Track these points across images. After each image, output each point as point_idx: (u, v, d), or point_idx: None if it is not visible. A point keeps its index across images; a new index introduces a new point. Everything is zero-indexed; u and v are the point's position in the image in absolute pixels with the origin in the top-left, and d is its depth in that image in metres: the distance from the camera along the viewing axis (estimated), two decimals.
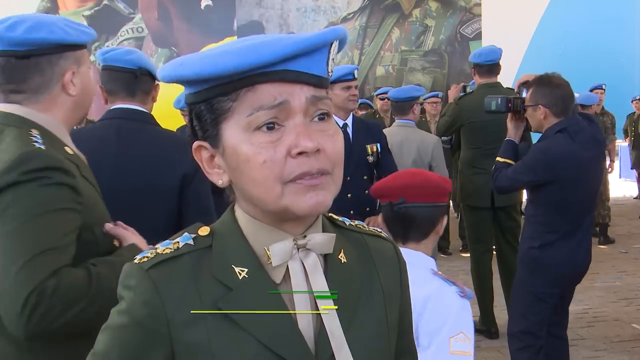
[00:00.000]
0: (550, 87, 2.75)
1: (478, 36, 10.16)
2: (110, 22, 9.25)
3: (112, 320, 0.81)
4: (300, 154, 0.75)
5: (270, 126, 0.75)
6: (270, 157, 0.74)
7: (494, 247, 4.25)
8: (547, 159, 2.72)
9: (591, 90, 6.78)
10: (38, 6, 9.11)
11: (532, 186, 2.85)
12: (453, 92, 4.90)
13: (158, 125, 2.07)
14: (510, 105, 2.96)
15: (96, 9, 9.21)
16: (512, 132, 3.01)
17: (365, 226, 0.96)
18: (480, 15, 10.14)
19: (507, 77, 4.16)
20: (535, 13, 9.05)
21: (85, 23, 9.44)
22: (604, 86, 6.83)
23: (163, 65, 0.81)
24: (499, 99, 3.00)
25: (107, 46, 8.77)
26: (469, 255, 5.87)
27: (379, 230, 0.98)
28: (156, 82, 2.07)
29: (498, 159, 2.97)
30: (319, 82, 0.77)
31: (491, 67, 4.04)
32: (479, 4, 10.14)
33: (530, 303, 2.87)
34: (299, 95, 0.75)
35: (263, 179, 0.75)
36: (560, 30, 8.85)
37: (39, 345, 1.27)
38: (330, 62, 0.78)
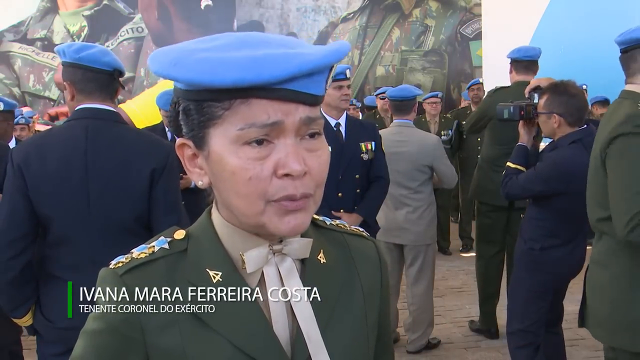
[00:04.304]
0: (566, 96, 2.73)
1: (478, 36, 10.16)
2: (110, 22, 9.25)
3: (88, 326, 0.81)
4: (286, 175, 0.73)
5: (260, 141, 0.73)
6: (256, 174, 0.73)
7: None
8: (561, 172, 2.70)
9: None
10: (38, 6, 9.11)
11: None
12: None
13: (125, 123, 2.10)
14: (522, 113, 2.94)
15: (96, 9, 9.21)
16: (525, 137, 2.98)
17: (346, 225, 0.95)
18: (480, 15, 10.15)
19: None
20: (535, 13, 9.03)
21: (85, 23, 9.49)
22: (584, 86, 6.81)
23: (154, 55, 0.76)
24: (511, 108, 2.99)
25: (107, 46, 8.77)
26: (469, 255, 5.85)
27: (360, 229, 0.97)
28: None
29: (509, 164, 2.95)
30: (315, 101, 0.74)
31: (529, 63, 3.91)
32: (479, 4, 10.15)
33: (529, 301, 2.89)
34: (294, 115, 0.73)
35: (246, 194, 0.74)
36: (561, 29, 8.84)
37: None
38: (329, 80, 0.77)
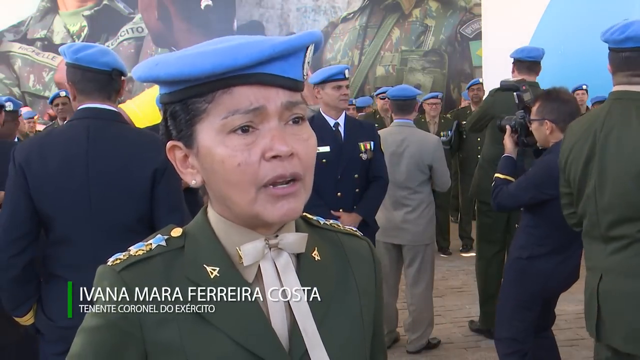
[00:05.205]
0: (558, 102, 2.72)
1: (478, 36, 10.16)
2: (110, 22, 9.25)
3: (86, 323, 0.82)
4: (274, 157, 0.75)
5: (245, 129, 0.75)
6: (244, 160, 0.75)
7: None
8: (552, 176, 2.65)
9: (573, 92, 6.69)
10: (38, 6, 9.12)
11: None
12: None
13: (127, 123, 2.11)
14: (524, 87, 2.96)
15: (96, 9, 9.21)
16: (511, 148, 2.99)
17: (340, 225, 0.97)
18: (480, 15, 10.14)
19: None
20: (535, 13, 9.02)
21: (85, 23, 9.49)
22: (584, 86, 6.80)
23: (138, 65, 0.80)
24: (514, 80, 3.01)
25: (107, 46, 8.77)
26: (469, 255, 5.86)
27: (353, 229, 0.98)
28: (122, 77, 2.08)
29: (497, 175, 2.94)
30: (294, 85, 0.77)
31: (531, 64, 3.92)
32: (479, 4, 10.14)
33: (516, 311, 2.85)
34: (275, 99, 0.76)
35: (237, 181, 0.76)
36: (561, 30, 8.83)
37: None
38: (306, 65, 0.79)
